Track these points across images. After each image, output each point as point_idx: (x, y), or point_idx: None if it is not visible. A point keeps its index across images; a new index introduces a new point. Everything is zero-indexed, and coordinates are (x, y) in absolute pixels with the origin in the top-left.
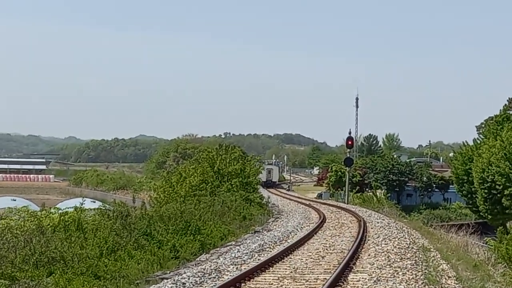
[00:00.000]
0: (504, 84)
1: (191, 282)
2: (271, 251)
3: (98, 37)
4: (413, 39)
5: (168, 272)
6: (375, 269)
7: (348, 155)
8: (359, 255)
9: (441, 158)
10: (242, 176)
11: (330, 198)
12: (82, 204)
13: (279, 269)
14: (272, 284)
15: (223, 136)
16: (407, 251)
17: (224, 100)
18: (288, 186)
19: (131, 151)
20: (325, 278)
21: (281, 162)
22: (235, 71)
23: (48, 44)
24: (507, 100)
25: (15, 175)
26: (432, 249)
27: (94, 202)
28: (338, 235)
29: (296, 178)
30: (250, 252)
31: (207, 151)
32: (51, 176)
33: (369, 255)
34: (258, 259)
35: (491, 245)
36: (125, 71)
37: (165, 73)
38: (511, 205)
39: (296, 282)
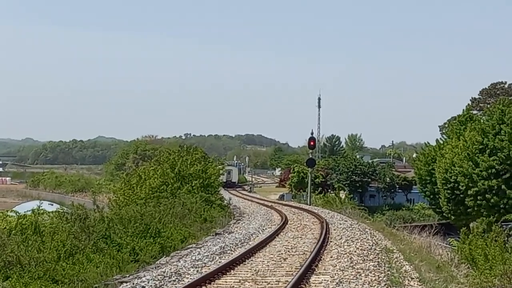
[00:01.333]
0: (467, 84)
1: (151, 286)
2: (232, 254)
3: (53, 36)
4: (377, 38)
5: (127, 275)
6: (337, 271)
7: (311, 156)
8: (321, 257)
9: (404, 158)
10: (203, 177)
11: (292, 199)
12: (39, 207)
13: (241, 271)
14: (233, 287)
15: (183, 137)
16: (370, 252)
17: (185, 101)
18: (250, 188)
19: (89, 153)
20: (287, 281)
21: (242, 164)
22: (196, 71)
23: (4, 45)
24: (470, 100)
25: None
26: (395, 250)
27: (52, 204)
28: (300, 237)
29: (258, 180)
30: (211, 254)
31: (168, 152)
32: (7, 178)
33: (331, 257)
34: (219, 262)
35: (454, 246)
36: (82, 71)
37: (123, 73)
38: (474, 206)
39: (258, 284)
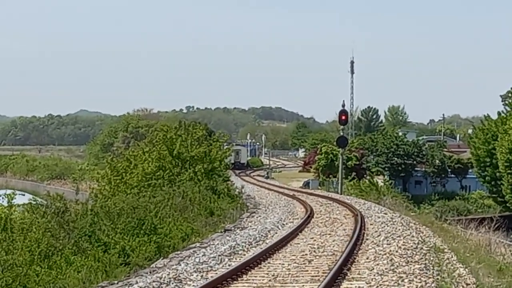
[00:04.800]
0: None
1: None
2: (244, 255)
3: None
4: None
5: (115, 282)
6: (374, 275)
7: (342, 134)
8: (355, 259)
9: (458, 136)
10: (207, 161)
11: (319, 187)
12: (9, 199)
13: (255, 277)
14: None
15: (185, 111)
16: (414, 252)
17: (186, 64)
18: (267, 173)
19: (69, 131)
20: None
21: (258, 143)
22: (201, 26)
23: None
24: None
25: None
26: (446, 250)
27: (24, 195)
28: (329, 234)
29: (277, 163)
30: (219, 256)
31: (164, 131)
32: None
33: (367, 258)
34: (229, 265)
35: None
36: (57, 29)
37: (110, 28)
38: None
39: None
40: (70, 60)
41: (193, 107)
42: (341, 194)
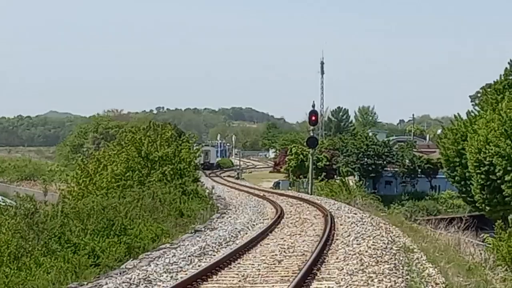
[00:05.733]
0: (506, 43)
1: None
2: (214, 255)
3: None
4: None
5: (85, 283)
6: (344, 275)
7: (312, 134)
8: (324, 259)
9: (428, 136)
10: (175, 161)
11: (289, 187)
12: None
13: (225, 277)
14: None
15: (155, 112)
16: (384, 252)
17: (156, 64)
18: (238, 174)
19: (39, 132)
20: None
21: (228, 144)
22: (170, 26)
23: None
24: (509, 63)
25: None
26: (416, 250)
27: None
28: (299, 234)
29: (248, 163)
30: (189, 256)
31: (132, 132)
32: None
33: (337, 259)
34: (199, 266)
35: (489, 244)
36: (25, 27)
37: (76, 28)
38: None
39: None
40: (39, 59)
41: (163, 107)
42: (311, 194)
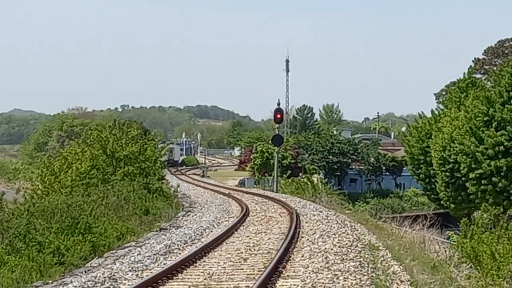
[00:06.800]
0: (469, 42)
1: None
2: (180, 254)
3: None
4: None
5: (50, 281)
6: (310, 273)
7: (277, 132)
8: (290, 257)
9: (393, 134)
10: (140, 160)
11: (255, 185)
12: None
13: (190, 275)
14: None
15: (120, 110)
16: (349, 250)
17: (120, 62)
18: (203, 172)
19: (3, 130)
20: (248, 286)
21: (193, 142)
22: (134, 25)
23: None
24: (473, 61)
25: None
26: (381, 247)
27: None
28: (265, 232)
29: (213, 161)
30: (154, 254)
31: (97, 130)
32: None
33: (302, 256)
34: (164, 264)
35: (454, 241)
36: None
37: (41, 24)
38: (478, 191)
39: None
40: (2, 58)
41: (128, 106)
42: (276, 192)
